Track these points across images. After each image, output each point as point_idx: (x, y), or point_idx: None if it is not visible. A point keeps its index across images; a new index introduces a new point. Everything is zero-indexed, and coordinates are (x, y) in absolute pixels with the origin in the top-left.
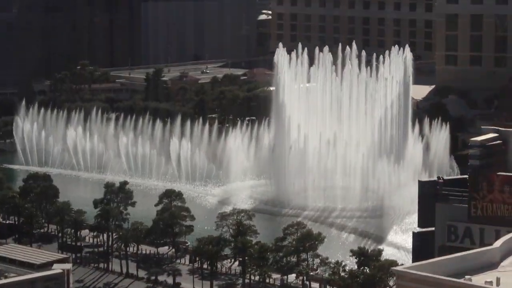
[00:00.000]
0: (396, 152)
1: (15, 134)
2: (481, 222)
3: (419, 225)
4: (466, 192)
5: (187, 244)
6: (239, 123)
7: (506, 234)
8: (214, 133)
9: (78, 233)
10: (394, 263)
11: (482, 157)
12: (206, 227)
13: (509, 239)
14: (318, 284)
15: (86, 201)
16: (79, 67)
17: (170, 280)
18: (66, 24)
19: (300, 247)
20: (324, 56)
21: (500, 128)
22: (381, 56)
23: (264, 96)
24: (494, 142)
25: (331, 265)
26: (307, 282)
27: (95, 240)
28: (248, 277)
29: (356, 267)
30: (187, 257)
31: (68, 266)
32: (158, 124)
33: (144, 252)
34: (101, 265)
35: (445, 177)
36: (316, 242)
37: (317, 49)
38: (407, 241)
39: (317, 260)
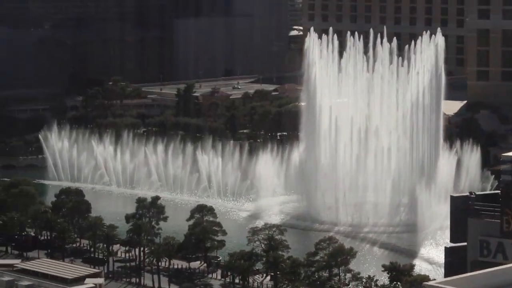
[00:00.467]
0: (428, 167)
1: (46, 149)
2: None
3: (451, 240)
4: (498, 207)
5: (219, 259)
6: (270, 138)
7: None
8: (245, 149)
9: (110, 247)
10: (426, 278)
11: None
12: (238, 242)
13: None
14: None
15: (118, 216)
16: (110, 83)
17: None
18: (97, 40)
19: (332, 262)
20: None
21: None
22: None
23: (295, 112)
24: None
25: (363, 280)
26: None
27: (127, 254)
28: None
29: (388, 282)
30: (219, 271)
31: (100, 280)
32: (189, 139)
33: (176, 266)
34: (133, 279)
35: (477, 192)
36: (348, 257)
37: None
38: (440, 256)
39: (349, 275)
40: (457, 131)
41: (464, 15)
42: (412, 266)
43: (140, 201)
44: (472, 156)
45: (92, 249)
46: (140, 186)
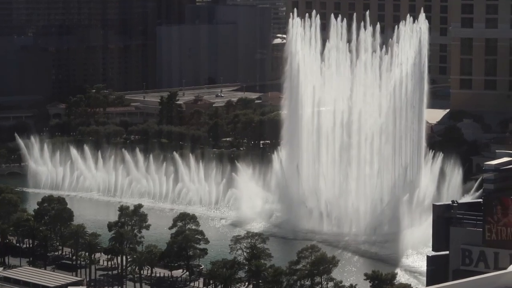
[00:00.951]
0: (411, 175)
1: (28, 157)
2: (496, 246)
3: (433, 249)
4: (481, 216)
5: (201, 267)
6: (253, 146)
7: None
8: (227, 157)
9: (93, 256)
10: (408, 287)
11: (497, 181)
12: (220, 250)
13: None
14: None
15: (101, 224)
16: (94, 91)
17: None
18: (80, 48)
19: (314, 270)
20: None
21: None
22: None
23: (279, 120)
24: (508, 166)
25: None
26: None
27: (110, 263)
28: None
29: None
30: (201, 280)
31: None
32: (172, 147)
33: (158, 275)
34: None
35: (459, 201)
36: (330, 266)
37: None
38: (421, 265)
39: (331, 284)
40: (440, 139)
41: (448, 24)
42: (394, 275)
43: (123, 209)
44: (455, 165)
45: (74, 257)
46: (122, 194)
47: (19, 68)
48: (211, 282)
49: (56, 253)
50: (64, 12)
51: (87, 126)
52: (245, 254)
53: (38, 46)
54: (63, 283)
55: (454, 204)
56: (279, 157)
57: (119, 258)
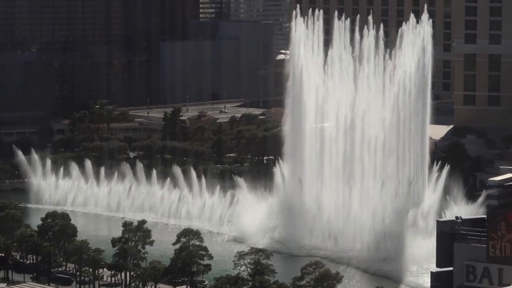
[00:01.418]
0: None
1: (32, 173)
2: (500, 262)
3: (437, 265)
4: (485, 232)
5: (205, 283)
6: (256, 162)
7: None
8: (230, 173)
9: (96, 271)
10: None
11: (501, 197)
12: (223, 266)
13: None
14: None
15: (104, 240)
16: (97, 106)
17: None
18: (84, 63)
19: (318, 286)
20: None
21: None
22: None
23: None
24: None
25: None
26: None
27: (113, 278)
28: None
29: None
30: None
31: None
32: (176, 163)
33: None
34: None
35: (463, 217)
36: (334, 282)
37: None
38: (425, 281)
39: None
40: (444, 155)
41: (451, 40)
42: None
43: (126, 225)
44: (458, 181)
45: (78, 273)
46: (126, 210)
47: (23, 84)
48: None
49: (60, 269)
50: (68, 28)
51: (90, 141)
52: (249, 270)
53: (42, 62)
54: None
55: (458, 220)
56: (281, 172)
57: (123, 274)
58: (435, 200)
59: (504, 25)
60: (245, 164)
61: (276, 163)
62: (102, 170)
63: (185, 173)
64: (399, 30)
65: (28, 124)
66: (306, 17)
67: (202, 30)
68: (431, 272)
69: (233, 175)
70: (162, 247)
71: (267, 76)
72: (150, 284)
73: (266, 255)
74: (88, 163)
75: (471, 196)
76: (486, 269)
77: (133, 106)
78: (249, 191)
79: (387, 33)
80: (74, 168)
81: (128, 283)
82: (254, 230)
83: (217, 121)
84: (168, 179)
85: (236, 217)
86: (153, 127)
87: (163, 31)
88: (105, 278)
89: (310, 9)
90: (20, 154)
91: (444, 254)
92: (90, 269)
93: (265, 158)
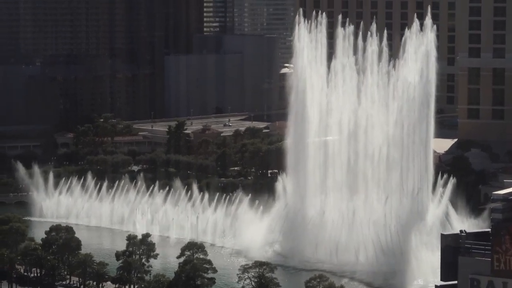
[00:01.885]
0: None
1: (35, 186)
2: (504, 275)
3: (442, 279)
4: (489, 246)
5: None
6: (261, 176)
7: None
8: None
9: (100, 285)
10: None
11: (505, 211)
12: (227, 280)
13: None
14: None
15: (108, 253)
16: (101, 120)
17: None
18: (88, 77)
19: None
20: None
21: None
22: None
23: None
24: None
25: None
26: None
27: None
28: None
29: None
30: None
31: None
32: (179, 176)
33: None
34: None
35: (468, 231)
36: None
37: None
38: None
39: None
40: (448, 169)
41: (455, 53)
42: None
43: (131, 238)
44: (462, 194)
45: (82, 287)
46: (130, 223)
47: (26, 97)
48: None
49: (64, 283)
50: (72, 42)
51: (95, 155)
52: (253, 283)
53: (46, 76)
54: None
55: (463, 234)
56: (284, 185)
57: (127, 287)
58: (439, 214)
59: (508, 39)
60: (249, 178)
61: (279, 176)
62: (106, 183)
63: (189, 187)
64: (403, 38)
65: (32, 138)
66: (309, 21)
67: (206, 44)
68: (436, 286)
69: (241, 189)
70: (166, 261)
71: (271, 90)
72: None
73: (270, 269)
74: (92, 177)
75: (475, 209)
76: (490, 282)
77: (137, 120)
78: (252, 205)
79: (391, 37)
80: (77, 181)
81: None
82: (257, 244)
83: (221, 134)
84: (171, 193)
85: (239, 231)
86: (157, 140)
87: (167, 45)
88: None
89: (314, 11)
90: (21, 168)
91: (448, 267)
92: (94, 283)
93: (269, 171)
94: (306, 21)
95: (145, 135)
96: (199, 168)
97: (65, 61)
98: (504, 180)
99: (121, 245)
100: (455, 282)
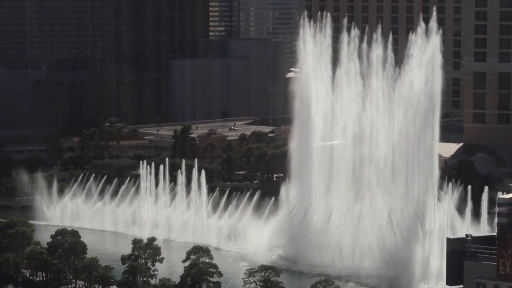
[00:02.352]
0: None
1: (40, 191)
2: (510, 280)
3: (448, 283)
4: (495, 250)
5: None
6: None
7: None
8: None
9: None
10: None
11: (511, 215)
12: (233, 283)
13: None
14: None
15: (114, 257)
16: (107, 124)
17: None
18: (94, 81)
19: None
20: None
21: None
22: None
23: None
24: None
25: None
26: None
27: None
28: None
29: None
30: None
31: None
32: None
33: None
34: None
35: (474, 235)
36: None
37: None
38: None
39: None
40: (454, 173)
41: (461, 58)
42: None
43: (136, 242)
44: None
45: None
46: (136, 227)
47: (32, 102)
48: None
49: (69, 287)
50: (78, 46)
51: (100, 159)
52: (258, 287)
53: (52, 80)
54: None
55: (468, 238)
56: (287, 190)
57: None
58: (445, 218)
59: None
60: (254, 182)
61: (284, 180)
62: (112, 187)
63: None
64: (408, 43)
65: (38, 142)
66: (315, 25)
67: (212, 48)
68: None
69: (246, 193)
70: (171, 265)
71: (277, 94)
72: None
73: (276, 273)
74: (97, 181)
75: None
76: (496, 286)
77: (143, 124)
78: (257, 209)
79: (396, 41)
80: (83, 185)
81: None
82: (262, 248)
83: (227, 138)
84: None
85: (244, 235)
86: (163, 144)
87: (173, 49)
88: None
89: (319, 12)
90: (23, 174)
91: (454, 271)
92: (100, 287)
93: (274, 175)
94: (311, 25)
95: (150, 139)
96: (205, 172)
97: (71, 66)
98: (510, 184)
99: (127, 249)
100: (461, 286)
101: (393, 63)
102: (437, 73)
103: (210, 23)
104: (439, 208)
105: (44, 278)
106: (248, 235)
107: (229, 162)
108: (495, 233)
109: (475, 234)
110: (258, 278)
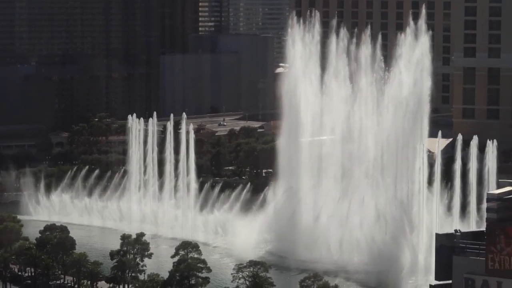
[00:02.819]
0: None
1: (30, 186)
2: (499, 275)
3: (436, 278)
4: (484, 245)
5: None
6: (255, 175)
7: None
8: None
9: (95, 284)
10: None
11: (500, 211)
12: (222, 279)
13: None
14: None
15: (103, 253)
16: (96, 119)
17: None
18: (84, 76)
19: None
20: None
21: None
22: None
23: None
24: (511, 195)
25: None
26: None
27: None
28: None
29: None
30: None
31: None
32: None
33: None
34: None
35: (462, 230)
36: None
37: None
38: None
39: None
40: (443, 169)
41: (450, 53)
42: None
43: (125, 238)
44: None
45: (76, 286)
46: (124, 222)
47: (22, 97)
48: None
49: (58, 282)
50: (68, 41)
51: (89, 154)
52: (247, 283)
53: (41, 75)
54: None
55: (457, 233)
56: (275, 185)
57: (121, 286)
58: (434, 213)
59: (503, 39)
60: (243, 177)
61: (273, 176)
62: (100, 182)
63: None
64: (397, 42)
65: (27, 137)
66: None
67: (202, 44)
68: (430, 285)
69: (234, 188)
70: (160, 260)
71: (266, 89)
72: None
73: (264, 268)
74: (86, 175)
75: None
76: (485, 282)
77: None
78: (246, 204)
79: (386, 37)
80: (72, 180)
81: None
82: (250, 243)
83: (216, 134)
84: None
85: (233, 230)
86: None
87: (162, 45)
88: None
89: (308, 11)
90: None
91: (443, 267)
92: (89, 282)
93: (263, 171)
94: (300, 21)
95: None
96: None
97: (60, 61)
98: (499, 180)
99: (115, 245)
100: (450, 281)
101: (381, 61)
102: (427, 73)
103: (200, 19)
104: (427, 203)
105: (33, 274)
106: (236, 230)
107: (218, 158)
108: (483, 229)
109: (463, 229)
110: (247, 273)
